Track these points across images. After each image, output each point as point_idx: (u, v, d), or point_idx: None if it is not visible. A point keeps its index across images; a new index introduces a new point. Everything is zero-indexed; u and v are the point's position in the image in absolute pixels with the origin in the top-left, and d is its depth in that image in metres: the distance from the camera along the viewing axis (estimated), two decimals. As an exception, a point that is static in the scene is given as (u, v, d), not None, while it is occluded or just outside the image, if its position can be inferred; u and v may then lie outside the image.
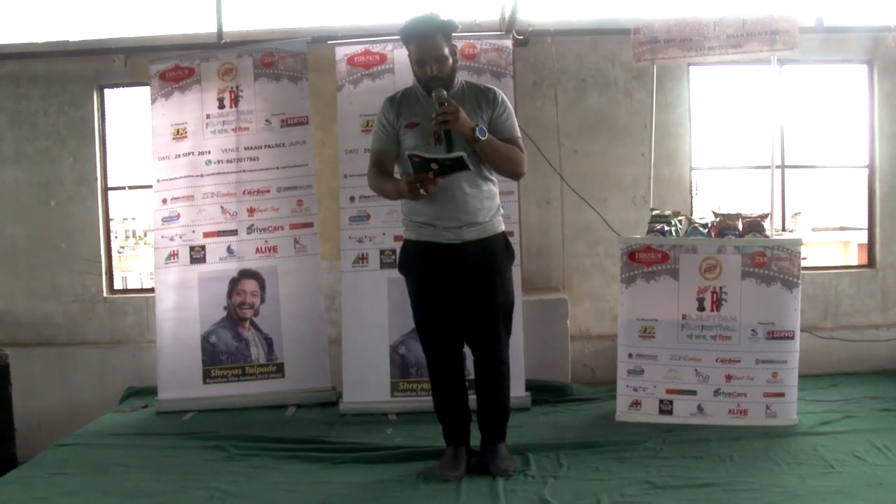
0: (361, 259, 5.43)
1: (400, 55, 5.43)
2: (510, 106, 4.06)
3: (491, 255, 4.01)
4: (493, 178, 4.03)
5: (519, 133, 4.06)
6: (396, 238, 5.29)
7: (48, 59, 6.23)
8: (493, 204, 4.02)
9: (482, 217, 3.96)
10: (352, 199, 5.45)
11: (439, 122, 3.75)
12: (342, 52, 5.53)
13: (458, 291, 3.98)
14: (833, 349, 6.07)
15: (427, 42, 3.86)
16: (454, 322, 4.05)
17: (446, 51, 3.89)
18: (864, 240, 6.64)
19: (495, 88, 4.07)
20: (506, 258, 4.10)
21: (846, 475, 3.92)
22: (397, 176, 4.06)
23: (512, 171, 4.02)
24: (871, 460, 4.11)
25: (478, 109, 3.94)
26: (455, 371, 4.15)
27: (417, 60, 3.91)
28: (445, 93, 3.80)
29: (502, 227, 4.11)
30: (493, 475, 4.01)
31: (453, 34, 3.97)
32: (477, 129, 3.78)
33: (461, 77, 4.13)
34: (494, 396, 4.14)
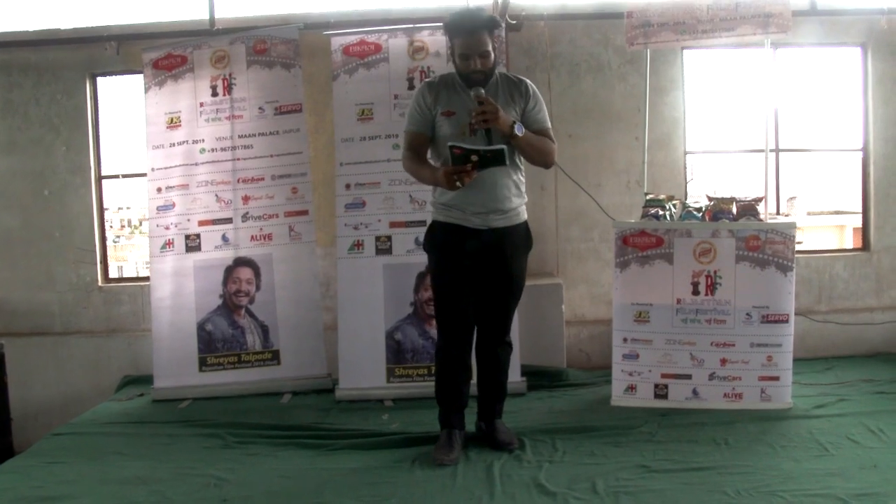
0: (357, 246, 5.43)
1: (394, 44, 5.47)
2: (541, 97, 4.13)
3: (513, 242, 4.11)
4: (521, 166, 4.11)
5: (549, 124, 4.16)
6: (392, 224, 5.36)
7: (40, 47, 6.19)
8: (520, 192, 4.11)
9: (509, 205, 4.04)
10: (347, 186, 5.46)
11: (479, 121, 3.81)
12: (338, 42, 5.54)
13: (480, 274, 4.08)
14: (827, 332, 6.09)
15: (473, 37, 3.90)
16: (471, 302, 4.12)
17: (490, 46, 3.93)
18: (859, 223, 6.64)
19: (527, 81, 4.13)
20: (525, 246, 4.22)
21: (840, 458, 3.93)
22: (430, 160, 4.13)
23: (544, 161, 4.11)
24: (865, 443, 4.12)
25: (511, 102, 4.02)
26: (464, 353, 4.20)
27: (462, 55, 3.93)
28: (484, 91, 3.85)
29: (525, 216, 4.19)
30: (498, 448, 4.14)
31: (496, 30, 4.04)
32: (516, 125, 3.86)
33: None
34: (497, 374, 4.29)
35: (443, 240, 4.10)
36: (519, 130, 3.86)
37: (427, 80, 4.20)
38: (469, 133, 3.92)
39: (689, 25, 5.21)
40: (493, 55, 3.96)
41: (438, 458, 4.03)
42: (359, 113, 5.45)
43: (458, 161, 3.74)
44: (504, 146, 3.75)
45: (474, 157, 3.72)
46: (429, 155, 4.14)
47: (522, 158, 4.08)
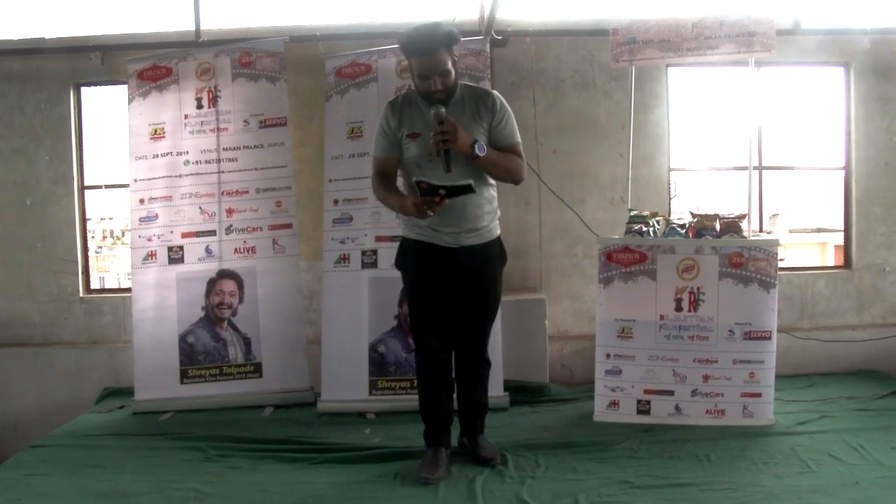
0: (343, 259, 5.44)
1: (384, 65, 5.51)
2: (509, 110, 4.02)
3: (487, 259, 4.05)
4: (492, 182, 4.03)
5: (519, 138, 4.04)
6: (378, 239, 5.36)
7: (24, 56, 6.17)
8: (492, 209, 4.04)
9: (482, 223, 3.98)
10: (336, 201, 5.48)
11: (437, 142, 3.71)
12: (331, 65, 5.61)
13: (452, 291, 4.02)
14: (810, 350, 6.11)
15: (432, 57, 3.74)
16: (447, 320, 4.08)
17: (450, 64, 3.80)
18: (841, 241, 6.68)
19: (494, 93, 4.03)
20: (499, 262, 4.16)
21: (822, 475, 3.94)
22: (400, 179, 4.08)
23: (511, 179, 4.01)
24: (847, 460, 4.13)
25: (477, 118, 3.91)
26: (445, 370, 4.15)
27: (420, 76, 3.80)
28: (444, 110, 3.74)
29: (498, 231, 4.12)
30: (480, 464, 4.10)
31: (455, 45, 3.86)
32: (476, 145, 3.77)
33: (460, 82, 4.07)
34: (477, 392, 4.24)
35: (415, 259, 4.05)
36: (480, 150, 3.76)
37: (390, 100, 4.08)
38: (436, 153, 3.80)
39: (674, 43, 5.23)
40: (453, 72, 3.83)
41: (423, 476, 3.99)
42: (349, 131, 5.49)
43: (426, 194, 3.68)
44: (471, 181, 3.66)
45: (442, 191, 3.67)
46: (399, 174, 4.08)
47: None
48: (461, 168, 3.78)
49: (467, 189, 3.69)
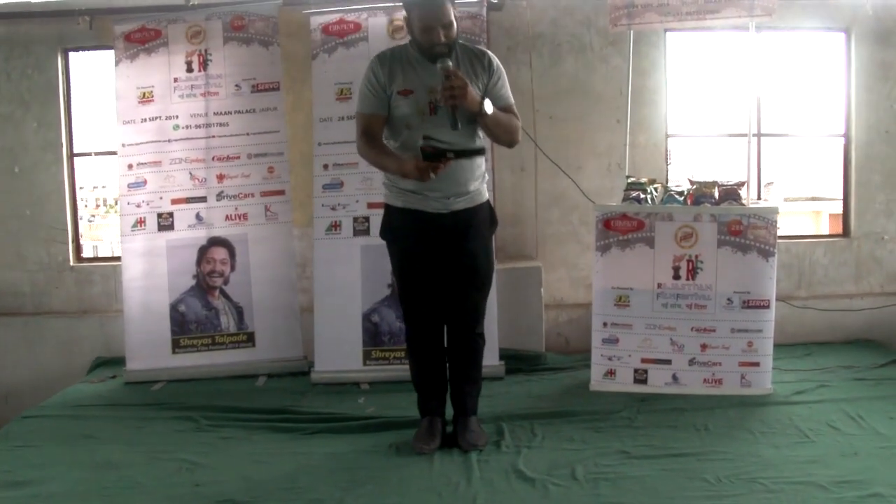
0: (334, 226, 5.36)
1: (374, 23, 5.39)
2: (503, 71, 3.92)
3: (476, 224, 3.93)
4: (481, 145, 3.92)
5: (513, 100, 3.95)
6: (370, 205, 5.27)
7: (10, 20, 6.03)
8: (480, 172, 3.93)
9: (471, 186, 3.87)
10: (325, 167, 5.39)
11: (447, 97, 3.58)
12: (317, 21, 5.46)
13: (443, 259, 3.90)
14: (807, 318, 6.08)
15: (435, 6, 3.65)
16: (437, 289, 3.97)
17: (452, 16, 3.70)
18: (836, 210, 6.63)
19: (489, 52, 3.93)
20: (489, 227, 4.04)
21: (821, 444, 3.92)
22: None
23: (510, 140, 3.90)
24: (846, 430, 4.11)
25: (473, 76, 3.79)
26: (435, 340, 4.07)
27: (424, 27, 3.68)
28: (451, 63, 3.62)
29: (487, 195, 4.02)
30: (463, 449, 3.95)
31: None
32: (485, 103, 3.64)
33: None
34: (467, 368, 4.10)
35: (401, 227, 3.93)
36: (489, 108, 3.65)
37: (377, 54, 3.93)
38: (430, 112, 3.73)
39: (674, 7, 5.15)
40: (455, 26, 3.71)
41: (418, 446, 3.95)
42: (337, 92, 5.37)
43: (429, 158, 3.53)
44: (483, 146, 3.56)
45: (450, 155, 3.54)
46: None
47: (483, 136, 3.90)
48: (463, 126, 3.67)
49: (477, 153, 3.59)
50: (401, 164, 3.70)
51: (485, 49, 4.00)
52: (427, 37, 3.68)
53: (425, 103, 3.74)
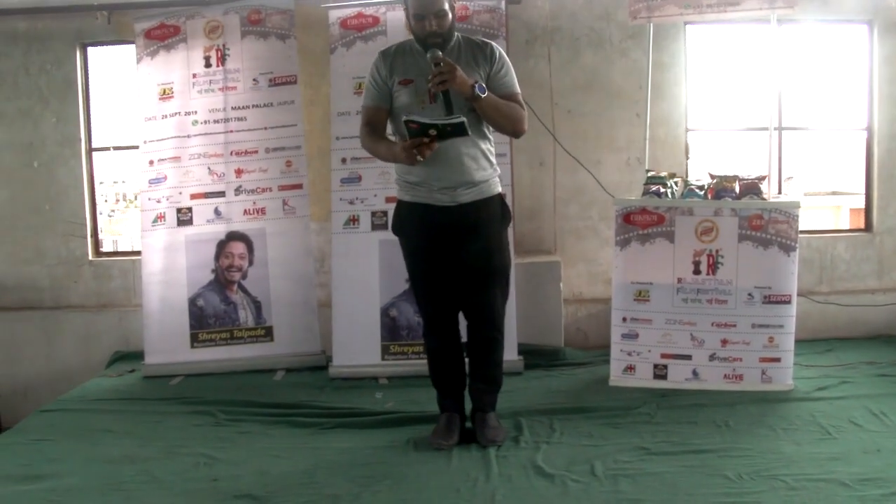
0: (352, 221, 5.35)
1: (392, 17, 5.38)
2: (508, 60, 3.91)
3: (487, 217, 3.89)
4: (490, 136, 3.90)
5: (518, 89, 3.92)
6: (388, 199, 5.21)
7: (29, 16, 6.05)
8: (489, 163, 3.89)
9: (479, 177, 3.83)
10: (343, 160, 5.37)
11: (436, 83, 3.59)
12: (335, 15, 5.46)
13: (454, 254, 3.88)
14: (829, 314, 6.01)
15: None
16: (450, 285, 3.95)
17: (446, 6, 3.72)
18: (856, 205, 6.56)
19: (492, 43, 3.93)
20: (501, 221, 3.99)
21: (843, 441, 3.88)
22: (389, 133, 3.96)
23: (513, 129, 3.87)
24: (868, 426, 4.06)
25: (474, 66, 3.79)
26: (451, 336, 4.06)
27: (416, 15, 3.72)
28: (440, 52, 3.63)
29: (499, 189, 3.97)
30: (481, 445, 3.92)
31: None
32: (476, 86, 3.63)
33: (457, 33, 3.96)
34: (485, 364, 4.07)
35: (410, 221, 3.92)
36: (481, 91, 3.63)
37: (381, 50, 3.98)
38: (430, 101, 3.73)
39: (694, 0, 5.11)
40: (450, 16, 3.74)
41: (436, 442, 3.93)
42: (355, 86, 5.33)
43: (415, 135, 3.54)
44: (463, 118, 3.52)
45: (432, 131, 3.52)
46: (389, 128, 3.97)
47: (490, 127, 3.89)
48: (461, 113, 3.63)
49: (460, 128, 3.53)
50: (390, 148, 3.76)
51: (488, 41, 3.98)
52: (419, 25, 3.73)
53: (424, 92, 3.75)
